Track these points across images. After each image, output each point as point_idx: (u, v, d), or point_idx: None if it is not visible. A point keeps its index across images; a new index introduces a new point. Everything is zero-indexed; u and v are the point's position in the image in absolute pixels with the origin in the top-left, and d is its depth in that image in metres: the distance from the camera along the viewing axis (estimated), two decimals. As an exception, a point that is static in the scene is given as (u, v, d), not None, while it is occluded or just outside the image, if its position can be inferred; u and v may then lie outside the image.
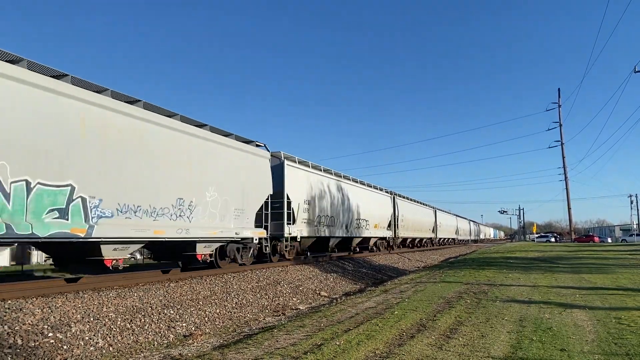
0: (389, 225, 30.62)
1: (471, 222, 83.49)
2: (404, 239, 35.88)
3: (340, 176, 23.31)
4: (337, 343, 6.08)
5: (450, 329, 6.88)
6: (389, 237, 30.75)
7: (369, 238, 27.17)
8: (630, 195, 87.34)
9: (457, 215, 64.39)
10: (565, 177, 56.53)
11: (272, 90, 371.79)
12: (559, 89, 58.24)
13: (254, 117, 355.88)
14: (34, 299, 8.05)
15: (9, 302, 7.64)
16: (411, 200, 38.77)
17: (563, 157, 56.82)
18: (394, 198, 32.18)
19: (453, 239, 59.90)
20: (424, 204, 43.53)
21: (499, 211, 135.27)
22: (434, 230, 46.15)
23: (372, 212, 26.98)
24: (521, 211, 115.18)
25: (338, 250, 24.56)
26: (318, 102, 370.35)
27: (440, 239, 50.16)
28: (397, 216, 32.26)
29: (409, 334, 6.59)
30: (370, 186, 28.25)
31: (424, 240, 43.25)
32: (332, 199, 20.95)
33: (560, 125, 57.08)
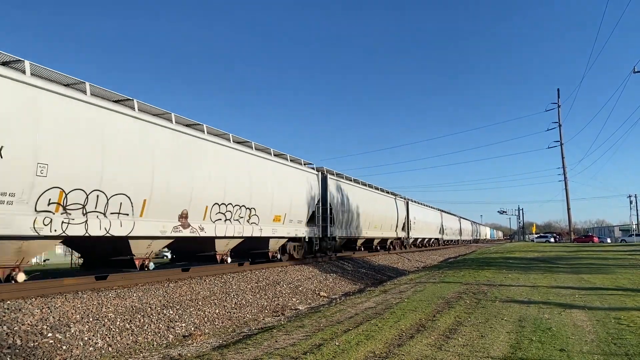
0: (312, 220, 19.30)
1: (462, 220, 70.52)
2: (351, 240, 24.85)
3: (172, 122, 11.66)
4: (337, 343, 6.08)
5: (450, 329, 6.88)
6: (311, 237, 19.28)
7: (265, 239, 15.85)
8: (630, 196, 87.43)
9: (442, 211, 52.94)
10: (565, 178, 56.59)
11: (271, 91, 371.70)
12: (558, 90, 58.12)
13: (253, 118, 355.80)
14: (33, 299, 8.04)
15: (9, 302, 7.63)
16: (361, 184, 26.35)
17: (562, 158, 56.89)
18: (324, 177, 20.83)
19: (437, 239, 48.48)
20: (387, 192, 31.48)
21: (498, 211, 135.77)
22: (405, 227, 34.72)
23: (268, 195, 15.43)
24: (520, 211, 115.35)
25: (200, 262, 14.48)
26: (317, 103, 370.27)
27: (414, 239, 38.13)
28: (330, 205, 20.63)
29: (409, 334, 6.59)
30: (271, 153, 16.52)
31: (390, 241, 31.81)
32: (149, 163, 10.57)
33: (560, 125, 57.14)
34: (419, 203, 41.25)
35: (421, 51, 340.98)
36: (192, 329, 9.39)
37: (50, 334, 7.22)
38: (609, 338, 6.26)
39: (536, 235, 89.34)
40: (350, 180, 25.02)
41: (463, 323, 7.34)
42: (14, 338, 6.77)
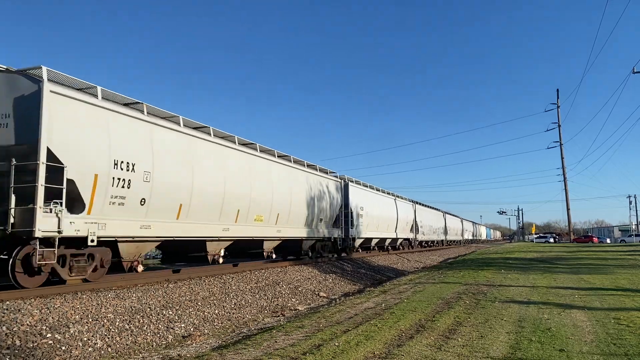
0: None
1: (448, 216, 56.78)
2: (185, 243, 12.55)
3: None
4: (336, 344, 6.08)
5: (449, 330, 6.88)
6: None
7: None
8: (629, 196, 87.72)
9: (415, 202, 39.28)
10: (564, 178, 56.67)
11: (272, 90, 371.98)
12: (557, 90, 58.20)
13: (253, 117, 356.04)
14: (33, 299, 8.03)
15: (7, 302, 7.63)
16: (220, 137, 13.85)
17: (562, 158, 56.97)
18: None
19: (407, 239, 35.33)
20: (297, 163, 18.81)
21: (498, 212, 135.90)
22: (340, 222, 22.24)
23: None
24: (520, 212, 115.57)
25: None
26: (318, 104, 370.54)
27: (365, 239, 25.86)
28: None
29: (408, 335, 6.59)
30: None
31: (311, 243, 19.85)
32: None
33: (559, 125, 57.23)
34: (370, 187, 27.88)
35: (421, 51, 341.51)
36: (192, 329, 9.39)
37: (49, 335, 7.21)
38: (609, 338, 6.26)
39: (536, 236, 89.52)
40: (178, 124, 11.89)
41: (463, 323, 7.34)
42: (13, 338, 6.77)
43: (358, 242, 25.16)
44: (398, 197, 34.49)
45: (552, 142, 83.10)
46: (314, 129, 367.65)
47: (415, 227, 37.48)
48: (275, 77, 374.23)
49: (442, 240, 51.62)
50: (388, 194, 32.10)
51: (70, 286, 9.28)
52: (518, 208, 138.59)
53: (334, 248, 22.68)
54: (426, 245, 43.63)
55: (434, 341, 6.20)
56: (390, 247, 32.58)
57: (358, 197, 24.90)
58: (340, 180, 23.29)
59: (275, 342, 6.43)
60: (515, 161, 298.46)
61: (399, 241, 33.98)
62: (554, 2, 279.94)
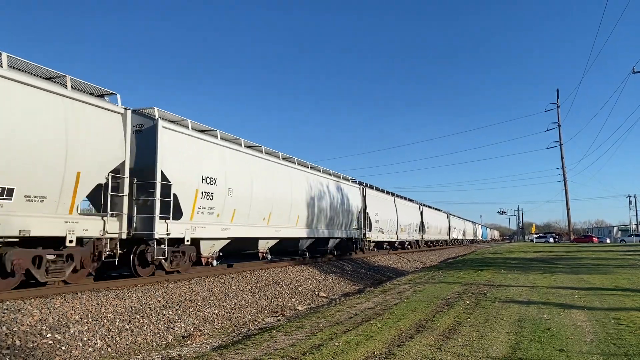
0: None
1: (427, 209, 44.36)
2: None
3: None
4: (336, 344, 6.08)
5: (449, 330, 6.88)
6: None
7: None
8: (629, 196, 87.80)
9: (366, 186, 27.89)
10: (564, 178, 56.66)
11: (271, 88, 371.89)
12: (557, 90, 58.15)
13: (250, 115, 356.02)
14: (33, 299, 8.04)
15: (7, 302, 7.63)
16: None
17: (562, 158, 56.96)
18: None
19: (349, 239, 24.39)
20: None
21: (497, 212, 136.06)
22: (117, 204, 9.97)
23: None
24: (520, 212, 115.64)
25: None
26: (317, 104, 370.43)
27: (236, 239, 14.00)
28: None
29: (408, 335, 6.59)
30: None
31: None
32: None
33: (559, 125, 57.22)
34: (247, 147, 15.04)
35: (421, 51, 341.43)
36: (192, 329, 9.39)
37: (49, 335, 7.21)
38: (609, 338, 6.26)
39: (535, 236, 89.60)
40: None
41: (462, 323, 7.34)
42: (13, 339, 6.77)
43: (208, 249, 13.23)
44: (327, 173, 21.65)
45: (552, 142, 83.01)
46: (311, 128, 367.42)
47: (365, 222, 26.11)
48: (271, 76, 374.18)
49: (418, 241, 39.48)
50: (299, 165, 18.81)
51: (70, 286, 9.33)
52: (518, 208, 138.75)
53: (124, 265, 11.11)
54: (388, 247, 32.44)
55: (434, 341, 6.20)
56: (306, 253, 20.28)
57: (209, 159, 12.71)
58: (121, 110, 10.39)
59: (275, 342, 6.44)
60: (515, 161, 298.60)
61: (332, 242, 22.05)
62: (554, 2, 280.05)
